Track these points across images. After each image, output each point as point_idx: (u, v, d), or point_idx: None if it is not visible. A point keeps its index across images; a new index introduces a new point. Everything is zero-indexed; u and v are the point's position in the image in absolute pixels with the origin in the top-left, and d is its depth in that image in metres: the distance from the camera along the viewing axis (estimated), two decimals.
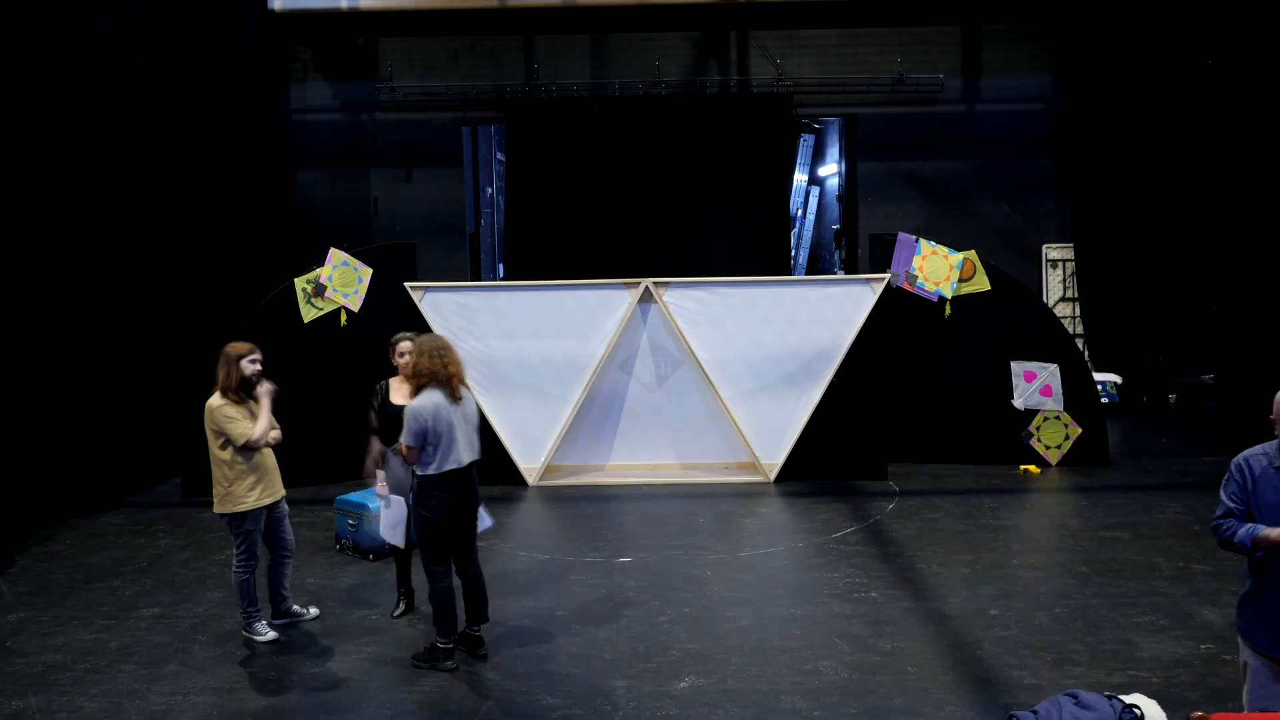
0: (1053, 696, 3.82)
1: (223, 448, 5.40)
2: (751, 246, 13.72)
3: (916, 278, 9.01)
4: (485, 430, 8.68)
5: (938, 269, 8.98)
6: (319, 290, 8.78)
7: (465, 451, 5.11)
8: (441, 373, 5.04)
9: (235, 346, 5.56)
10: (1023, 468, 8.88)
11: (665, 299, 8.78)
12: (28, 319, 8.40)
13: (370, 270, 8.95)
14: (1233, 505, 3.56)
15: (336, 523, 7.06)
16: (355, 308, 8.92)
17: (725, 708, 4.54)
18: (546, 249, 13.59)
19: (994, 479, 8.71)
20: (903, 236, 9.14)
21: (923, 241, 9.07)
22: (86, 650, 5.35)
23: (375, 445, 5.82)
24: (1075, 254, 13.36)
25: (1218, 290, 11.20)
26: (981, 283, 9.02)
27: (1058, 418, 9.02)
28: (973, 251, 9.13)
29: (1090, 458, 9.03)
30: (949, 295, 8.98)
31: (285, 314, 8.74)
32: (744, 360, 8.83)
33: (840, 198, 15.28)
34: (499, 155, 15.57)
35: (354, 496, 6.98)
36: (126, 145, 9.79)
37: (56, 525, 7.84)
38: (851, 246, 13.45)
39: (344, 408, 9.02)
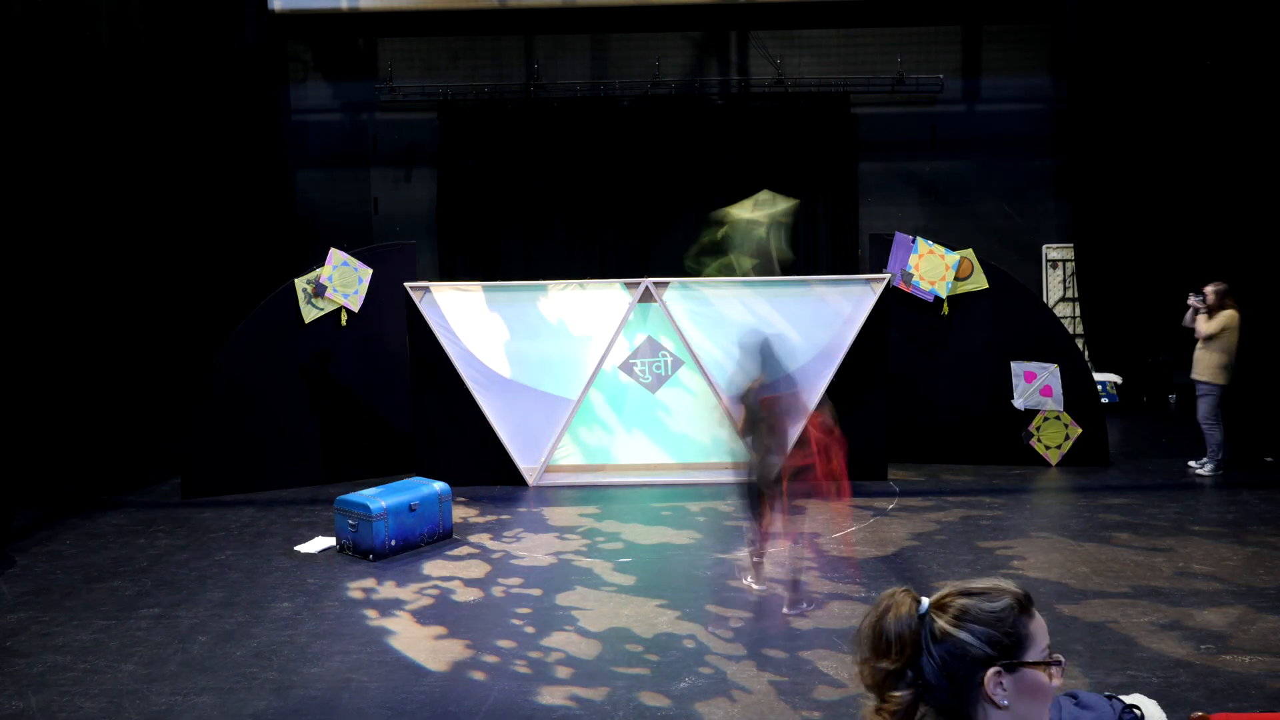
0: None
1: None
2: None
3: (912, 276, 9.01)
4: (485, 430, 8.76)
5: (934, 268, 8.98)
6: (319, 290, 8.78)
7: None
8: None
9: None
10: None
11: (665, 299, 8.78)
12: (29, 319, 8.40)
13: (370, 270, 8.96)
14: None
15: (336, 523, 7.05)
16: (355, 308, 8.92)
17: (725, 708, 4.54)
18: (545, 249, 13.65)
19: (994, 479, 8.71)
20: (899, 236, 9.15)
21: (920, 241, 9.07)
22: (86, 650, 5.34)
23: None
24: (1075, 254, 13.36)
25: None
26: (979, 281, 9.02)
27: (1058, 418, 9.03)
28: (969, 250, 9.13)
29: (1090, 458, 9.03)
30: (944, 295, 8.98)
31: (285, 314, 8.74)
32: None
33: None
34: None
35: (354, 496, 6.97)
36: (128, 146, 9.80)
37: (56, 525, 7.84)
38: (852, 246, 13.47)
39: (344, 408, 9.04)
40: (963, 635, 1.58)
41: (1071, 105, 13.06)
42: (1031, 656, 1.60)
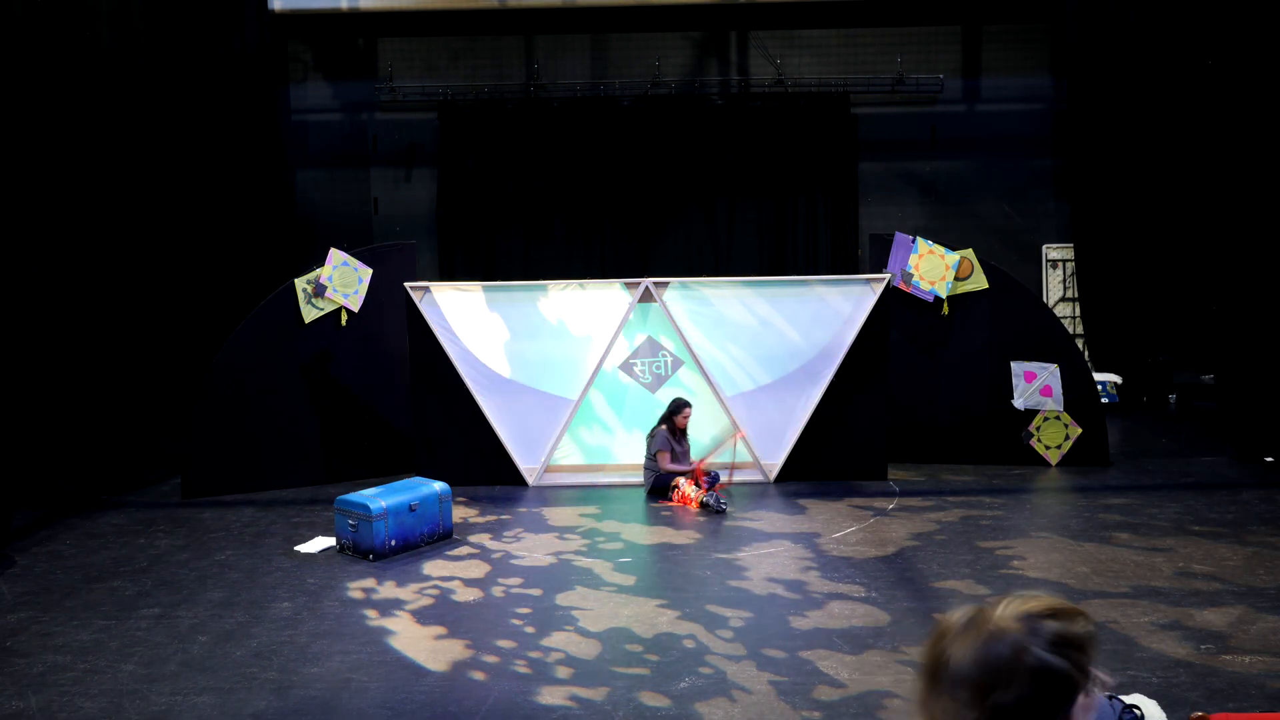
0: None
1: None
2: (753, 246, 13.74)
3: (912, 276, 9.01)
4: (485, 430, 8.77)
5: (934, 268, 8.98)
6: (319, 290, 8.78)
7: None
8: None
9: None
10: None
11: (665, 299, 8.78)
12: (29, 319, 8.40)
13: (370, 270, 8.96)
14: None
15: (336, 523, 7.05)
16: (355, 308, 8.92)
17: (725, 708, 4.54)
18: (545, 249, 13.66)
19: (994, 479, 8.71)
20: (899, 236, 9.15)
21: (920, 241, 9.07)
22: (86, 650, 5.34)
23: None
24: (1075, 254, 13.36)
25: (1218, 290, 11.19)
26: (979, 281, 9.02)
27: (1058, 418, 9.03)
28: (969, 250, 9.13)
29: (1090, 458, 9.03)
30: (944, 295, 8.98)
31: (285, 314, 8.74)
32: (744, 360, 8.84)
33: None
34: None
35: (354, 497, 6.97)
36: (128, 146, 9.79)
37: (56, 525, 7.84)
38: (852, 246, 13.47)
39: (344, 408, 9.04)
40: (1061, 663, 1.42)
41: (1071, 105, 13.06)
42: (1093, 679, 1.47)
